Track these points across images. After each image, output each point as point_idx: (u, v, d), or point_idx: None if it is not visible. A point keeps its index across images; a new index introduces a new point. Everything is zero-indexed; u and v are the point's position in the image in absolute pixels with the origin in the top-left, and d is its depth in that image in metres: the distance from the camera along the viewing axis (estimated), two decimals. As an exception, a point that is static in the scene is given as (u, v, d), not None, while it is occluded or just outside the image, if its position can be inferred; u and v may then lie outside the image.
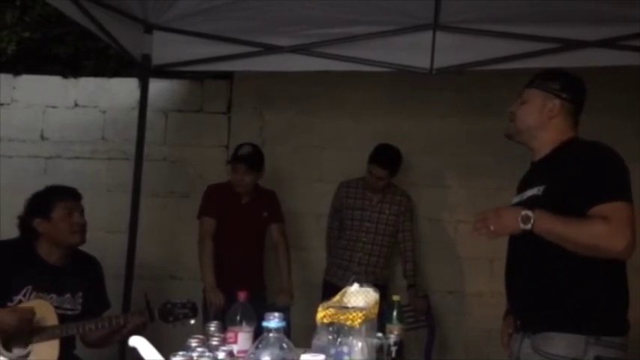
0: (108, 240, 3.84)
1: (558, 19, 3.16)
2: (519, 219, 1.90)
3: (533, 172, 2.13)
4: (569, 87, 2.08)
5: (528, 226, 1.89)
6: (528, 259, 2.00)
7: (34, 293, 2.50)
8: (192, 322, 2.51)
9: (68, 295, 2.59)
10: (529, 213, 1.89)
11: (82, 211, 2.64)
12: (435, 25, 3.29)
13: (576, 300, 1.94)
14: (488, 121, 4.13)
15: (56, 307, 2.51)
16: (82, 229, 2.62)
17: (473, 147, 4.22)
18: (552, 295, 1.97)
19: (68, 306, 2.59)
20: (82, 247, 2.68)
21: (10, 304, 2.46)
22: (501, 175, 3.92)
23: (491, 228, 1.95)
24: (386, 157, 3.72)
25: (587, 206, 1.88)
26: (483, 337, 3.95)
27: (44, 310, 2.46)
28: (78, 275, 2.63)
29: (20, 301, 2.48)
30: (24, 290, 2.49)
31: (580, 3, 3.01)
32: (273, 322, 1.36)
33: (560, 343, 1.93)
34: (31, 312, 2.38)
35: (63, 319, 2.51)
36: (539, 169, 2.09)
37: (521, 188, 2.12)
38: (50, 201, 2.58)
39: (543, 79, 2.11)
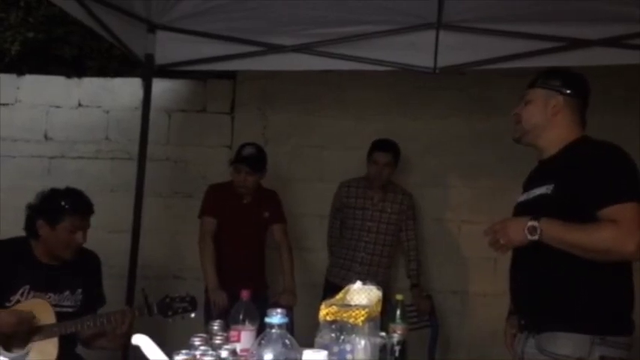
0: (111, 240, 3.84)
1: (561, 18, 3.15)
2: (526, 230, 1.90)
3: (540, 170, 2.12)
4: (571, 82, 2.09)
5: (535, 237, 1.90)
6: (533, 258, 1.99)
7: (32, 293, 2.50)
8: (193, 315, 2.49)
9: (67, 293, 2.59)
10: (535, 224, 1.89)
11: (86, 230, 2.59)
12: (438, 25, 3.29)
13: (582, 299, 1.93)
14: (491, 120, 4.12)
15: (55, 306, 2.51)
16: (79, 247, 2.59)
17: (476, 146, 4.21)
18: (558, 294, 1.96)
19: (68, 303, 2.58)
20: (85, 246, 2.66)
21: (7, 304, 2.46)
22: (505, 175, 3.91)
23: (501, 242, 1.96)
24: (386, 143, 3.73)
25: (597, 207, 1.88)
26: (487, 338, 3.93)
27: (42, 309, 2.46)
28: (77, 272, 2.62)
29: (18, 301, 2.48)
30: (21, 290, 2.49)
31: (583, 2, 3.00)
32: (276, 317, 1.35)
33: (565, 342, 1.92)
34: (31, 315, 2.38)
35: (62, 316, 2.50)
36: (547, 168, 2.08)
37: (528, 186, 2.11)
38: (61, 211, 2.52)
39: (545, 77, 2.13)
